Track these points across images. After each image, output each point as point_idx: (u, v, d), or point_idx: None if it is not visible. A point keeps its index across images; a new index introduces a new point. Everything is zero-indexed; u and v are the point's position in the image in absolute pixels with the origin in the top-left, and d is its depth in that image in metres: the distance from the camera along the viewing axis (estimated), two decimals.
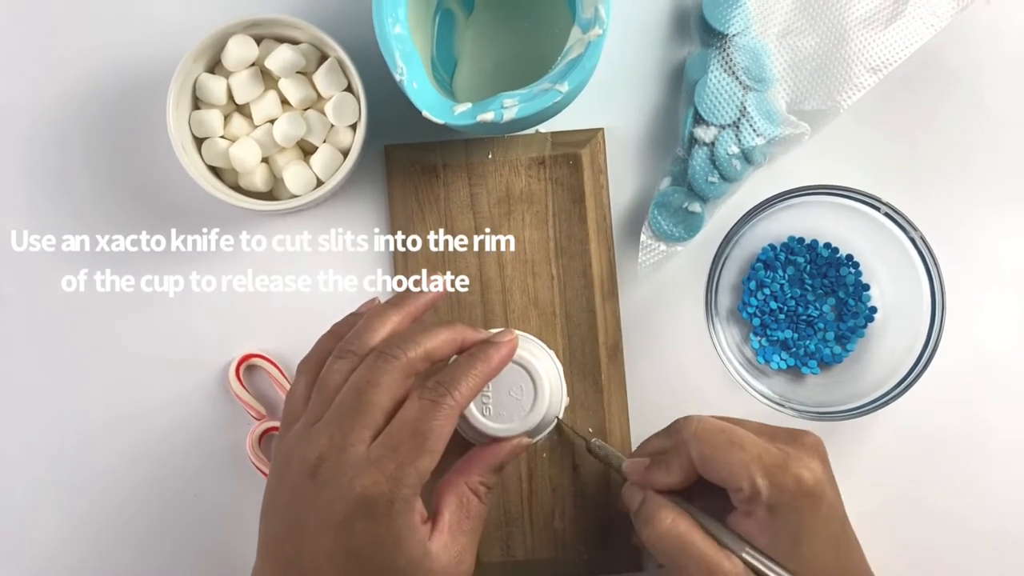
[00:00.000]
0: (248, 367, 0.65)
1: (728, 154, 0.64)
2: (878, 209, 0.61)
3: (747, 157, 0.64)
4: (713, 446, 0.53)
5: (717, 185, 0.64)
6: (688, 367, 0.66)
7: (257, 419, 0.65)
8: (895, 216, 0.61)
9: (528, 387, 0.56)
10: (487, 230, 0.66)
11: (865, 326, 0.65)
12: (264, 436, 0.65)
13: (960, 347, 0.64)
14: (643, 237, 0.65)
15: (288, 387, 0.64)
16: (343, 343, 0.54)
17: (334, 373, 0.53)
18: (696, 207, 0.64)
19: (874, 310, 0.66)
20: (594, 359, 0.65)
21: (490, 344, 0.55)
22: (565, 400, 0.61)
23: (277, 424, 0.65)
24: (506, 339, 0.55)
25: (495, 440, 0.56)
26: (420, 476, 0.50)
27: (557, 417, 0.60)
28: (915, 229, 0.61)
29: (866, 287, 0.65)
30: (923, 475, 0.66)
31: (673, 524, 0.53)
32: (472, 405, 0.54)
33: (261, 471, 0.65)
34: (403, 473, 0.50)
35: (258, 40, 0.63)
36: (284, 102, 0.63)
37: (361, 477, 0.50)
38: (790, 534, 0.52)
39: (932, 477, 0.66)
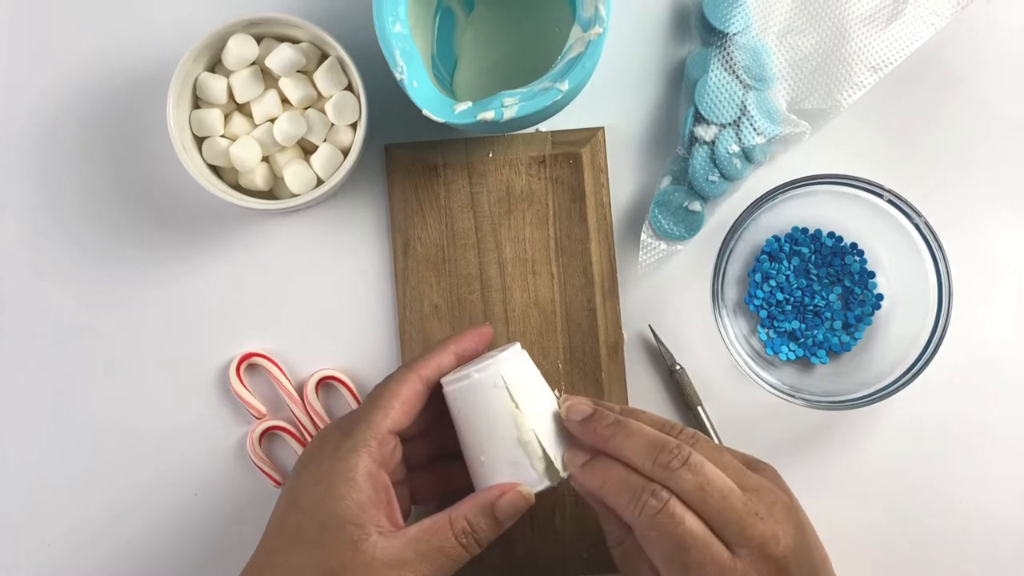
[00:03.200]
0: (248, 366, 0.65)
1: (728, 153, 0.64)
2: (881, 196, 0.61)
3: (747, 156, 0.64)
4: (657, 536, 0.50)
5: (717, 184, 0.64)
6: (690, 364, 0.66)
7: (258, 418, 0.65)
8: (898, 202, 0.61)
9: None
10: (487, 229, 0.66)
11: (872, 314, 0.66)
12: (264, 435, 0.65)
13: (965, 341, 0.65)
14: (643, 236, 0.65)
15: (288, 385, 0.65)
16: None
17: None
18: (696, 206, 0.64)
19: (880, 297, 0.66)
20: (594, 358, 0.65)
21: (461, 335, 0.58)
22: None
23: (277, 423, 0.65)
24: (477, 327, 0.59)
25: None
26: (372, 429, 0.52)
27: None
28: (919, 215, 0.61)
29: (872, 275, 0.66)
30: (930, 463, 0.66)
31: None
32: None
33: (262, 470, 0.65)
34: (355, 426, 0.53)
35: (258, 39, 0.63)
36: (284, 101, 0.63)
37: (327, 437, 0.54)
38: None
39: (940, 466, 0.66)
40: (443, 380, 0.56)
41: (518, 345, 0.57)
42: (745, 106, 0.64)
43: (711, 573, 0.49)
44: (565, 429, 0.55)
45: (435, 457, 0.60)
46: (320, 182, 0.63)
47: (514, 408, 0.54)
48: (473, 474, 0.56)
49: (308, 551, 0.51)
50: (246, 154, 0.62)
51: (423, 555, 0.51)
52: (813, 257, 0.66)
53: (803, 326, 0.66)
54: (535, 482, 0.54)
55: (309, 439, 0.65)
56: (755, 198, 0.61)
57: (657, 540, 0.50)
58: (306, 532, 0.51)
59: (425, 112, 0.58)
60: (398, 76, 0.58)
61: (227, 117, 0.63)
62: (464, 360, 0.57)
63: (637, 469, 0.52)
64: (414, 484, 0.58)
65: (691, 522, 0.50)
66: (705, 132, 0.64)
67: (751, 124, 0.64)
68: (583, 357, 0.65)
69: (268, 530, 0.54)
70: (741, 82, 0.64)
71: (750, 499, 0.51)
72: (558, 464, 0.54)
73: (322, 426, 0.65)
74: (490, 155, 0.66)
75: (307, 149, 0.64)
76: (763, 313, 0.66)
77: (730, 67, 0.64)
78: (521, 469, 0.54)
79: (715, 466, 0.51)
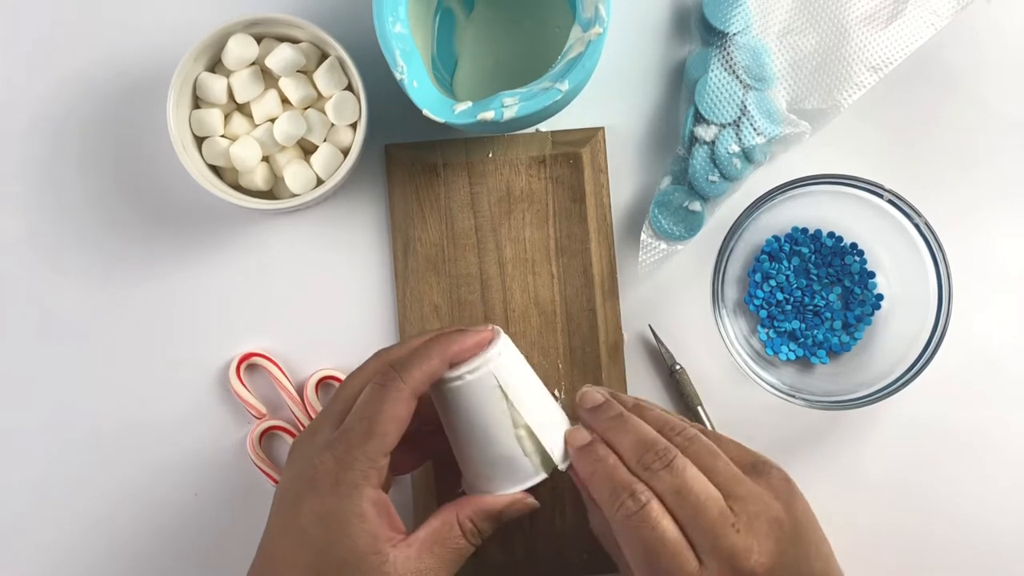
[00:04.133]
0: (248, 366, 0.65)
1: (728, 153, 0.64)
2: (880, 196, 0.61)
3: (747, 156, 0.64)
4: (630, 538, 0.50)
5: (717, 184, 0.64)
6: (690, 365, 0.66)
7: (257, 418, 0.65)
8: (898, 202, 0.61)
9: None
10: (487, 229, 0.66)
11: (872, 314, 0.66)
12: (264, 435, 0.65)
13: (965, 341, 0.65)
14: (643, 236, 0.65)
15: (288, 385, 0.65)
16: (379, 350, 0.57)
17: (358, 369, 0.56)
18: (696, 206, 0.64)
19: (880, 297, 0.66)
20: (594, 358, 0.65)
21: (460, 332, 0.55)
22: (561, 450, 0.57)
23: (277, 423, 0.65)
24: (477, 329, 0.55)
25: None
26: (369, 459, 0.51)
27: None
28: (919, 215, 0.61)
29: (871, 275, 0.66)
30: (930, 463, 0.66)
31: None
32: None
33: (261, 470, 0.65)
34: (350, 456, 0.51)
35: (258, 39, 0.63)
36: (284, 101, 0.63)
37: (315, 457, 0.52)
38: None
39: (939, 466, 0.66)
40: None
41: (505, 336, 0.56)
42: (745, 106, 0.64)
43: None
44: (557, 418, 0.56)
45: (413, 433, 0.60)
46: (320, 182, 0.63)
47: (508, 406, 0.54)
48: (465, 465, 0.56)
49: None
50: (246, 154, 0.62)
51: (439, 557, 0.52)
52: (813, 257, 0.66)
53: (803, 326, 0.66)
54: (530, 475, 0.55)
55: None
56: (755, 198, 0.62)
57: (630, 540, 0.50)
58: (325, 570, 0.50)
59: (425, 112, 0.58)
60: (398, 76, 0.58)
61: (227, 117, 0.63)
62: (455, 364, 0.55)
63: (625, 465, 0.52)
64: (393, 459, 0.58)
65: (665, 527, 0.49)
66: (705, 132, 0.64)
67: (751, 124, 0.64)
68: (583, 357, 0.65)
69: (274, 561, 0.52)
70: (741, 82, 0.64)
71: (733, 507, 0.50)
72: (553, 455, 0.55)
73: None
74: (490, 155, 0.66)
75: (307, 149, 0.64)
76: (763, 313, 0.66)
77: (730, 67, 0.64)
78: (516, 463, 0.55)
79: (705, 471, 0.51)
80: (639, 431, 0.53)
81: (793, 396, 0.61)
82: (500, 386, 0.54)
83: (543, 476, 0.55)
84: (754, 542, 0.49)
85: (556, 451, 0.55)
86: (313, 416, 0.65)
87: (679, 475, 0.50)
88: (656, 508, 0.50)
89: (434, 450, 0.60)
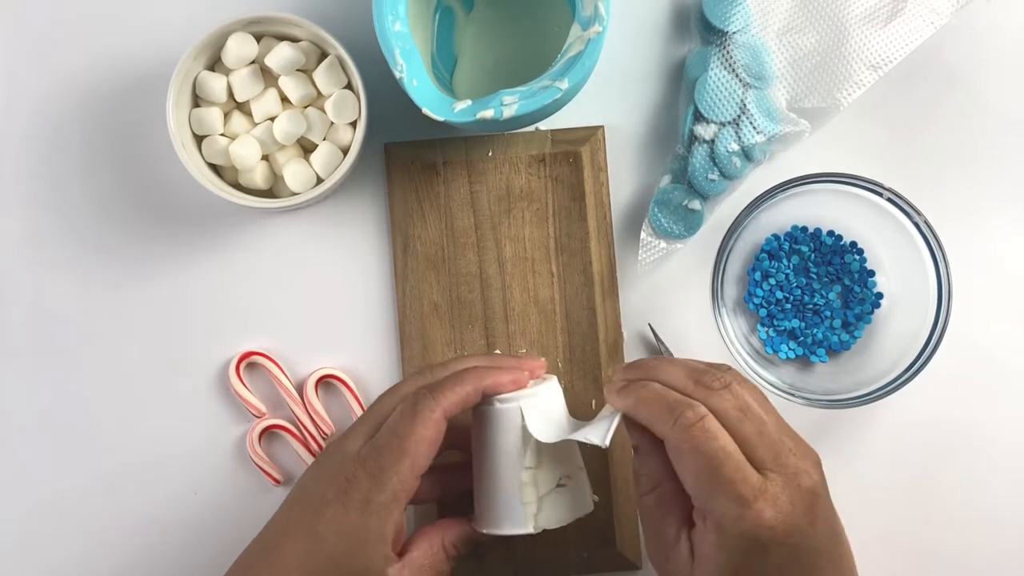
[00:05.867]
0: (248, 365, 0.65)
1: (728, 151, 0.64)
2: (880, 195, 0.61)
3: (747, 154, 0.64)
4: (690, 450, 0.50)
5: (717, 183, 0.64)
6: None
7: (257, 416, 0.65)
8: (898, 201, 0.61)
9: None
10: (487, 227, 0.66)
11: (872, 312, 0.66)
12: (264, 433, 0.65)
13: (964, 339, 0.65)
14: (643, 235, 0.65)
15: (287, 384, 0.65)
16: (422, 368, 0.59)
17: (396, 386, 0.57)
18: (696, 205, 0.64)
19: (880, 296, 0.66)
20: (594, 357, 0.65)
21: (497, 367, 0.55)
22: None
23: (277, 422, 0.65)
24: (519, 363, 0.56)
25: None
26: (401, 481, 0.51)
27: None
28: (919, 213, 0.61)
29: (871, 273, 0.66)
30: (929, 462, 0.66)
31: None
32: None
33: (261, 468, 0.65)
34: (384, 475, 0.51)
35: (258, 38, 0.63)
36: (284, 100, 0.63)
37: (348, 468, 0.52)
38: (731, 570, 0.50)
39: (939, 464, 0.66)
40: None
41: (555, 380, 0.57)
42: (745, 105, 0.64)
43: (741, 490, 0.49)
44: (567, 476, 0.56)
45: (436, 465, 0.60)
46: (320, 181, 0.63)
47: (522, 448, 0.55)
48: (475, 484, 0.57)
49: None
50: (246, 152, 0.62)
51: None
52: (813, 256, 0.66)
53: (803, 324, 0.66)
54: (518, 523, 0.55)
55: (309, 438, 0.65)
56: (755, 197, 0.62)
57: (689, 454, 0.50)
58: None
59: (424, 111, 0.58)
60: (398, 75, 0.58)
61: (227, 116, 0.64)
62: (490, 395, 0.55)
63: (678, 390, 0.52)
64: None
65: (725, 440, 0.50)
66: (705, 131, 0.64)
67: (751, 123, 0.64)
68: (583, 356, 0.65)
69: (276, 555, 0.53)
70: (741, 81, 0.64)
71: (784, 439, 0.51)
72: (542, 518, 0.55)
73: (322, 426, 0.65)
74: (490, 154, 0.66)
75: (307, 148, 0.64)
76: (763, 312, 0.66)
77: (730, 66, 0.64)
78: (512, 504, 0.55)
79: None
80: (687, 363, 0.54)
81: (793, 395, 0.61)
82: (523, 426, 0.54)
83: (528, 531, 0.55)
84: (810, 468, 0.51)
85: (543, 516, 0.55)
86: (313, 415, 0.65)
87: (739, 396, 0.51)
88: (715, 422, 0.50)
89: (455, 486, 0.60)
